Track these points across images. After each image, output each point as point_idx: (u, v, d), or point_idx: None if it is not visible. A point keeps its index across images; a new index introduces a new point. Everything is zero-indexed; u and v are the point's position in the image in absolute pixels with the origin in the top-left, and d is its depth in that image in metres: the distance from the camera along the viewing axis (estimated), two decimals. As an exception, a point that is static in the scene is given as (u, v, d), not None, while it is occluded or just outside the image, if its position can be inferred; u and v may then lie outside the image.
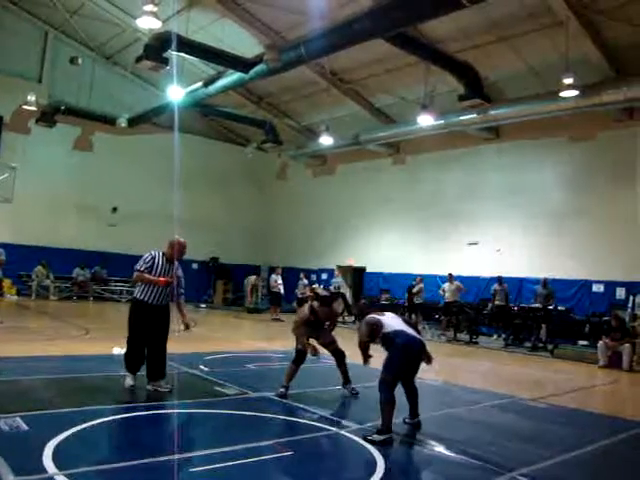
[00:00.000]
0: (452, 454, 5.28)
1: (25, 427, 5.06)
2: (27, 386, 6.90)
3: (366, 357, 6.23)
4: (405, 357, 5.75)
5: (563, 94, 13.60)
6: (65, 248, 21.29)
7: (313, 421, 6.04)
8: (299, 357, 7.08)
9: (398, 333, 5.78)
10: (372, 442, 5.25)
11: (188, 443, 5.04)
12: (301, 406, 6.63)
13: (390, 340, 5.80)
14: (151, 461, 4.52)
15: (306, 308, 7.30)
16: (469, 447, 5.49)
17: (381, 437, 5.33)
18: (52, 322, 14.69)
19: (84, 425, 5.20)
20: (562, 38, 13.35)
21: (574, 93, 13.47)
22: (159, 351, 6.84)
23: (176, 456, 4.59)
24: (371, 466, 4.69)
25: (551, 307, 15.06)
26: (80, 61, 20.89)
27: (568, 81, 13.17)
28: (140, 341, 6.74)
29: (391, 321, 6.01)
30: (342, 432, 5.66)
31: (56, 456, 4.36)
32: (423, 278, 18.34)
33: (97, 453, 4.66)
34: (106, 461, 4.45)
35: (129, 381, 6.82)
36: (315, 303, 7.20)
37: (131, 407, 6.00)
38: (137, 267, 6.66)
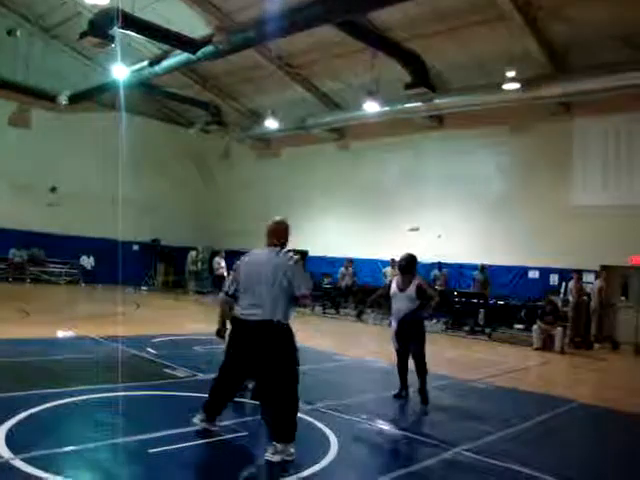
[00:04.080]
0: (398, 431, 5.51)
1: (-28, 412, 4.98)
2: (-30, 370, 6.75)
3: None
4: None
5: (505, 87, 14.05)
6: (0, 228, 20.51)
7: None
8: None
9: None
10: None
11: (143, 425, 5.08)
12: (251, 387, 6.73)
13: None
14: (107, 443, 4.55)
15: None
16: (414, 425, 5.76)
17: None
18: (-12, 304, 14.25)
19: (36, 409, 5.16)
20: (505, 32, 13.76)
21: (516, 86, 13.94)
22: None
23: (133, 437, 4.65)
24: (326, 443, 4.87)
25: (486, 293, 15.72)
26: (19, 33, 20.01)
27: (510, 74, 13.63)
28: None
29: None
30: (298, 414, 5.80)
31: (10, 440, 4.34)
32: (353, 261, 18.88)
33: (51, 437, 4.61)
34: (61, 444, 4.42)
35: None
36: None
37: (81, 390, 5.96)
38: (308, 290, 4.73)
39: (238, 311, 4.71)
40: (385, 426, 5.68)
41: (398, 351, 7.01)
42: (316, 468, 4.32)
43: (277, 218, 4.92)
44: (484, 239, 17.16)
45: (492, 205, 17.23)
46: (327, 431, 5.22)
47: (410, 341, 6.86)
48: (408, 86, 15.80)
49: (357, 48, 16.05)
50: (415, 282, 6.79)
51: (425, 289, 6.80)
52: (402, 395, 6.92)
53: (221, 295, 5.00)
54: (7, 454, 4.10)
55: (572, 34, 13.61)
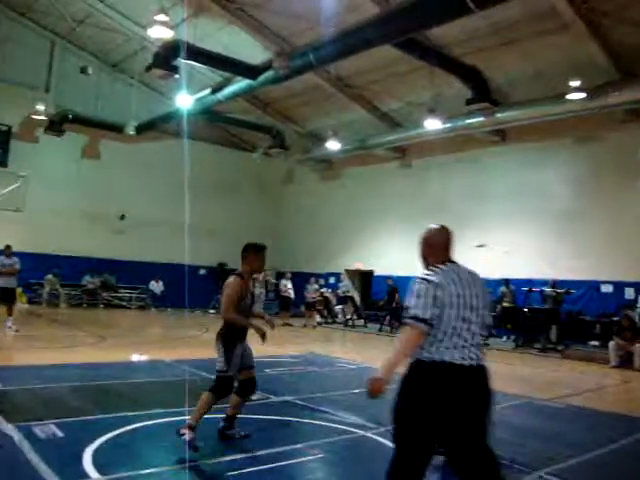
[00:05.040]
0: (477, 455, 5.37)
1: (60, 434, 5.19)
2: (54, 393, 7.01)
3: None
4: None
5: (570, 96, 13.73)
6: (74, 256, 21.40)
7: (338, 424, 6.15)
8: None
9: None
10: None
11: (221, 448, 5.16)
12: (324, 409, 6.74)
13: None
14: (187, 465, 4.64)
15: None
16: (493, 447, 5.58)
17: None
18: (65, 330, 14.81)
19: (118, 431, 5.32)
20: (568, 41, 13.52)
21: (581, 95, 13.61)
22: None
23: (211, 460, 4.73)
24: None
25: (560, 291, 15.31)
26: (90, 71, 21.06)
27: (574, 84, 13.32)
28: None
29: None
30: (368, 434, 5.77)
31: (96, 461, 4.49)
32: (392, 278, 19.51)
33: (136, 458, 4.77)
34: (144, 466, 4.55)
35: None
36: None
37: (158, 413, 6.11)
38: None
39: (441, 355, 3.24)
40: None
41: None
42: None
43: (436, 225, 3.68)
44: (552, 253, 16.68)
45: (560, 218, 16.75)
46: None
47: None
48: (469, 101, 15.65)
49: (416, 66, 16.06)
50: None
51: None
52: None
53: (419, 325, 3.22)
54: (95, 475, 4.25)
55: (637, 37, 13.19)
